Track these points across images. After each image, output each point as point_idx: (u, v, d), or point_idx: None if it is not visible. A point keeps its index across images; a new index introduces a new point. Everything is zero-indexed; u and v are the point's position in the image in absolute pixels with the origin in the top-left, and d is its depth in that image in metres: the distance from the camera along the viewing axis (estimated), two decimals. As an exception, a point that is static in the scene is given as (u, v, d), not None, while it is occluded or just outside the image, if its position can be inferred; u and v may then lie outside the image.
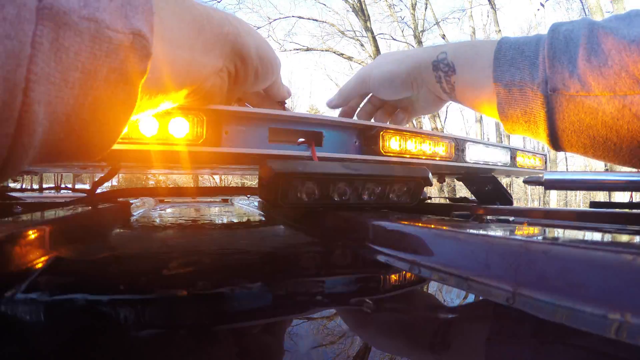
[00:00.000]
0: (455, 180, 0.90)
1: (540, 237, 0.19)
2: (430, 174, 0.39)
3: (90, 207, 0.42)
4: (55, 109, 0.15)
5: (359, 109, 0.49)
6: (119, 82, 0.17)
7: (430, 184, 0.40)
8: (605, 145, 0.32)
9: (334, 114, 0.48)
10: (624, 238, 0.20)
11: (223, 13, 0.28)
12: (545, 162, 0.70)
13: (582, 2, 7.17)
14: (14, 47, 0.13)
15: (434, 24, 7.69)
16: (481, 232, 0.21)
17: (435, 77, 0.40)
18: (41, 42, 0.13)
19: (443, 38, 7.66)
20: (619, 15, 0.31)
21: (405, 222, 0.27)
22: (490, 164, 0.55)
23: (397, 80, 0.42)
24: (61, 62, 0.14)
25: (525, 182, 0.36)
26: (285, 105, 0.43)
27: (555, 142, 0.35)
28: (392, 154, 0.43)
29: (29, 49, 0.13)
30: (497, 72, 0.35)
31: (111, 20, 0.16)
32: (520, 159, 0.62)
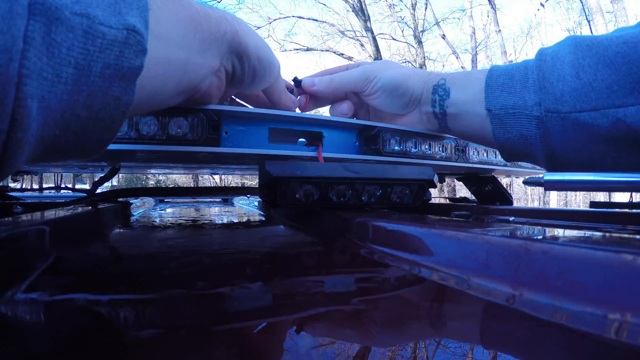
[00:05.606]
0: (455, 180, 0.90)
1: (540, 237, 0.19)
2: (435, 176, 0.39)
3: (90, 207, 0.42)
4: (48, 105, 0.15)
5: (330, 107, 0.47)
6: (114, 78, 0.16)
7: (435, 186, 0.40)
8: (603, 161, 0.32)
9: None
10: (624, 238, 0.20)
11: (221, 12, 0.27)
12: (545, 163, 0.70)
13: (582, 2, 7.17)
14: (7, 42, 0.12)
15: (434, 24, 7.69)
16: (481, 232, 0.21)
17: (432, 101, 0.40)
18: (33, 36, 0.13)
19: (443, 38, 7.66)
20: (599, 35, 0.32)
21: (405, 222, 0.27)
22: (490, 164, 0.55)
23: (400, 90, 0.41)
24: (53, 57, 0.14)
25: (525, 182, 0.36)
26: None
27: (554, 163, 0.34)
28: (392, 154, 0.43)
29: (21, 44, 0.13)
30: (489, 98, 0.35)
31: (104, 16, 0.16)
32: (520, 159, 0.62)
